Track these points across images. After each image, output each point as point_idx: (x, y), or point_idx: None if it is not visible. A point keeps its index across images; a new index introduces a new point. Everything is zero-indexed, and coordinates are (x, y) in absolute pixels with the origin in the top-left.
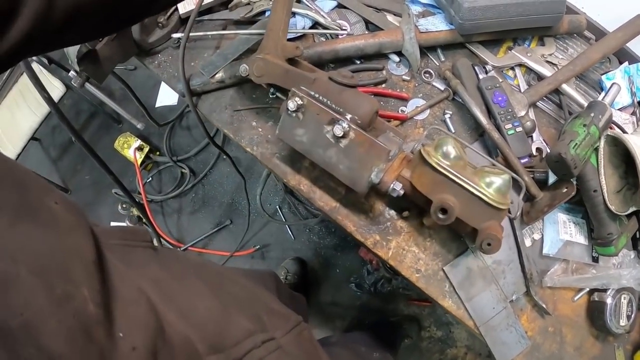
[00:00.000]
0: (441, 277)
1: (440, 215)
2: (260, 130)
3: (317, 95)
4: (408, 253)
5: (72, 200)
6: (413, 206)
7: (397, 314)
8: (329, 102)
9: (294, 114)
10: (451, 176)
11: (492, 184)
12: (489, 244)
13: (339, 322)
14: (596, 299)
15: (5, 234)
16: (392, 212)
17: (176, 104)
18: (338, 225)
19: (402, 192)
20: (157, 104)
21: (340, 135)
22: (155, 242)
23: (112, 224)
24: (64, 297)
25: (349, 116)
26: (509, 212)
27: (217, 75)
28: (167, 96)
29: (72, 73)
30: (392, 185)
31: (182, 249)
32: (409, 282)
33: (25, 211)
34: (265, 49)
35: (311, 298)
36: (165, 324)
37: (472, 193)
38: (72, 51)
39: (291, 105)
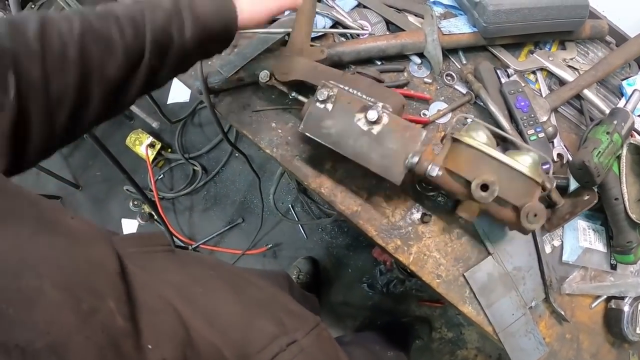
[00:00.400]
0: (462, 283)
1: (482, 193)
2: (280, 131)
3: (346, 88)
4: (429, 258)
5: (84, 195)
6: (436, 210)
7: (409, 314)
8: (359, 93)
9: (322, 105)
10: (488, 151)
11: (525, 161)
12: (535, 215)
13: (350, 322)
14: (613, 306)
15: (27, 245)
16: (414, 217)
17: (188, 100)
18: (359, 229)
19: (440, 173)
20: (169, 101)
21: (374, 119)
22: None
23: (124, 220)
24: (90, 311)
25: (380, 104)
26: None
27: (235, 74)
28: (179, 93)
29: None
30: (430, 165)
31: (193, 246)
32: (430, 287)
33: (44, 223)
34: (289, 52)
35: (323, 298)
36: (191, 331)
37: (511, 167)
38: None
39: (320, 95)
